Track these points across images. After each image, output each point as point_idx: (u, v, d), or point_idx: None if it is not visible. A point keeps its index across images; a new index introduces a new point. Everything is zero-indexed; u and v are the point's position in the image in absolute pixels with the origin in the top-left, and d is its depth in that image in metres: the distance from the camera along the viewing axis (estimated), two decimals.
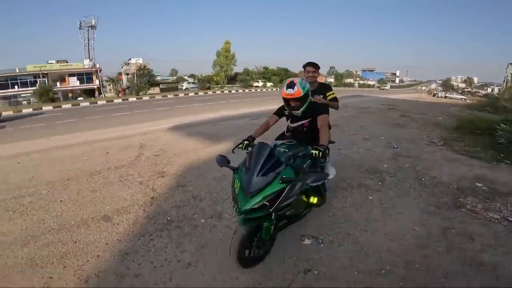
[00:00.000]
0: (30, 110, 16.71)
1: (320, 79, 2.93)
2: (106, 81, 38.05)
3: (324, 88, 3.11)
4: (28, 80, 31.21)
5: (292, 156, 2.02)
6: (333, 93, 3.08)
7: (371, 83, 74.83)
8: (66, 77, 32.90)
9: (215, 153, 5.11)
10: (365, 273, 1.96)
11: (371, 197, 3.11)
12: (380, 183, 3.50)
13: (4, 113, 13.19)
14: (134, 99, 21.93)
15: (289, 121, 2.52)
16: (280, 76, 43.08)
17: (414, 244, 2.30)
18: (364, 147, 5.11)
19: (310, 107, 2.31)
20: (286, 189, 1.77)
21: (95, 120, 10.42)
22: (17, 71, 31.06)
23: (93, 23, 34.59)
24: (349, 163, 4.24)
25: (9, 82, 30.96)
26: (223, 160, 1.98)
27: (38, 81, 29.98)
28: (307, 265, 2.07)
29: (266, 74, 44.77)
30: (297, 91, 2.17)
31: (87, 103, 19.57)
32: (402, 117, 9.44)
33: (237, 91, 30.58)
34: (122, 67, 40.61)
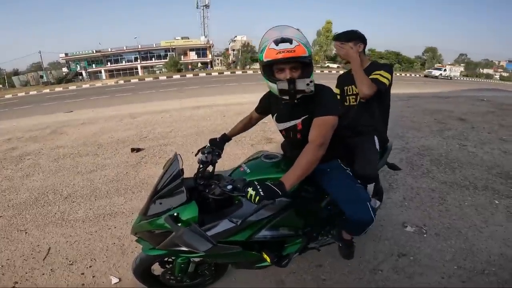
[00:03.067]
0: (164, 77, 21.00)
1: (363, 60, 1.77)
2: (216, 55, 42.71)
3: (376, 68, 1.73)
4: (161, 54, 38.56)
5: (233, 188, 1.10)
6: (380, 75, 1.67)
7: None
8: (188, 51, 38.90)
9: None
10: (465, 270, 1.81)
11: (497, 202, 2.64)
12: None
13: (146, 79, 17.03)
14: (240, 72, 24.37)
15: (274, 118, 1.48)
16: (388, 60, 38.35)
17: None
18: (499, 149, 4.19)
19: (310, 95, 1.23)
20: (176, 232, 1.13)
21: (212, 88, 12.50)
22: (154, 45, 38.66)
23: (207, 2, 39.03)
24: (476, 163, 3.61)
25: (148, 54, 39.10)
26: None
27: (168, 54, 36.82)
28: (404, 250, 2.00)
29: (372, 58, 40.01)
30: (298, 46, 1.16)
31: (203, 74, 22.74)
32: None
33: (337, 71, 28.85)
34: (229, 44, 44.67)
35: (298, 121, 1.33)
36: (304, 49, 1.18)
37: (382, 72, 1.66)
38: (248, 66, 32.02)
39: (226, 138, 1.67)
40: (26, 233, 2.32)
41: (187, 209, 1.13)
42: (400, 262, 1.88)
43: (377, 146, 1.73)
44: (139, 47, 38.27)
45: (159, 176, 1.29)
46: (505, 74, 54.70)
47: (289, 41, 1.18)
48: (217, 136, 1.69)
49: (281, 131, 1.48)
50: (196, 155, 1.59)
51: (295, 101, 1.24)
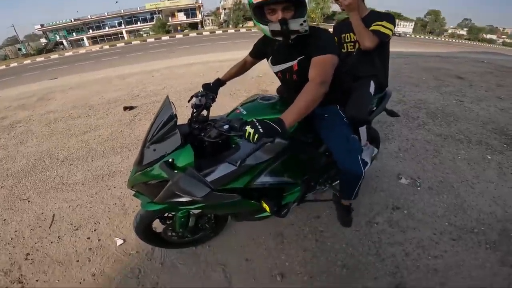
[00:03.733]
0: (152, 39, 19.79)
1: (362, 9, 1.71)
2: (206, 15, 40.47)
3: (376, 17, 1.68)
4: (146, 17, 36.58)
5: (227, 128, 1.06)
6: (382, 26, 1.62)
7: None
8: (176, 13, 36.65)
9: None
10: (456, 227, 1.87)
11: (489, 157, 2.68)
12: (505, 146, 2.92)
13: (133, 42, 16.06)
14: (233, 31, 23.26)
15: (269, 60, 1.45)
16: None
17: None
18: (495, 106, 4.18)
19: (306, 35, 1.19)
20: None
21: (204, 47, 11.96)
22: (138, 9, 36.56)
23: None
24: (472, 118, 3.62)
25: (132, 18, 37.04)
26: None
27: (154, 17, 34.90)
28: (398, 203, 2.05)
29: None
30: None
31: (194, 34, 21.63)
32: None
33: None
34: (220, 2, 42.04)
35: (294, 62, 1.30)
36: None
37: (384, 23, 1.60)
38: (241, 25, 30.60)
39: (220, 82, 1.61)
40: (29, 201, 2.31)
41: (183, 153, 1.06)
42: (394, 215, 1.94)
43: (372, 90, 1.70)
44: (122, 11, 36.12)
45: (151, 122, 1.22)
46: (508, 41, 52.80)
47: None
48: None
49: (276, 73, 1.44)
50: (189, 101, 1.51)
51: (290, 41, 1.20)
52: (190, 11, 36.95)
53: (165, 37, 20.65)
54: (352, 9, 1.59)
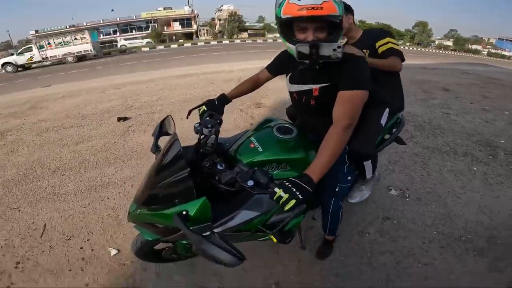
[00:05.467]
0: (147, 49, 19.83)
1: (355, 31, 1.76)
2: (201, 26, 40.96)
3: (373, 37, 1.69)
4: (142, 26, 36.73)
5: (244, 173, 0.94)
6: (390, 43, 1.63)
7: (506, 53, 55.35)
8: (171, 22, 36.92)
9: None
10: (444, 235, 1.94)
11: (475, 168, 2.79)
12: (490, 157, 3.05)
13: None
14: (227, 41, 23.44)
15: (287, 79, 1.33)
16: None
17: (506, 224, 2.07)
18: (480, 118, 4.36)
19: (337, 62, 1.02)
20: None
21: (198, 58, 12.05)
22: (134, 17, 36.64)
23: None
24: (458, 130, 3.77)
25: (128, 27, 37.16)
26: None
27: (150, 26, 34.95)
28: (388, 214, 2.12)
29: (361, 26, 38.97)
30: (326, 3, 0.94)
31: (189, 44, 21.84)
32: None
33: None
34: (215, 13, 42.51)
35: (315, 86, 1.17)
36: (334, 7, 0.95)
37: (388, 40, 1.59)
38: (235, 36, 31.11)
39: (225, 99, 1.41)
40: (19, 211, 2.28)
41: (198, 208, 0.94)
42: (385, 225, 2.00)
43: (384, 120, 1.63)
44: (118, 19, 36.02)
45: (157, 158, 1.10)
46: (493, 51, 54.81)
47: None
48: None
49: (292, 93, 1.32)
50: (188, 116, 1.41)
51: (316, 66, 1.08)
52: (185, 21, 37.20)
53: (160, 47, 20.76)
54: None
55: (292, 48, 1.03)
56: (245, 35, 34.52)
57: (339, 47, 0.97)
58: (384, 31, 1.70)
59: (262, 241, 1.39)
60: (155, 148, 1.19)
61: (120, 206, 2.21)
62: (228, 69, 7.97)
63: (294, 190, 0.84)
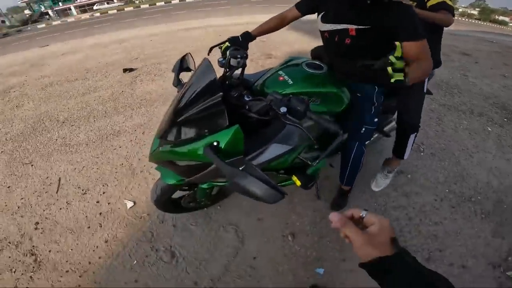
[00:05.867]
0: (146, 5, 18.72)
1: None
2: None
3: None
4: None
5: (282, 101, 0.86)
6: None
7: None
8: None
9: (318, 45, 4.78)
10: (455, 194, 1.91)
11: (490, 129, 2.71)
12: (505, 120, 2.95)
13: (126, 9, 14.93)
14: None
15: (320, 17, 1.23)
16: None
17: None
18: (499, 83, 4.16)
19: (385, 4, 0.99)
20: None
21: (203, 12, 11.25)
22: None
23: None
24: (475, 91, 3.63)
25: None
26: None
27: None
28: (402, 167, 2.07)
29: None
30: None
31: None
32: None
33: None
34: None
35: (352, 26, 1.07)
36: None
37: None
38: None
39: (249, 36, 1.30)
40: (32, 165, 2.23)
41: (231, 137, 0.82)
42: (398, 179, 1.97)
43: (425, 88, 1.52)
44: None
45: (183, 89, 0.98)
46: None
47: None
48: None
49: (323, 32, 1.23)
50: (209, 53, 1.27)
51: (368, 1, 0.99)
52: None
53: (160, 3, 19.40)
54: None
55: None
56: None
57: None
58: None
59: (283, 186, 1.34)
60: (177, 81, 1.13)
61: (133, 155, 2.12)
62: (237, 22, 7.49)
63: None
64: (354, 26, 1.06)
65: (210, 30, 6.51)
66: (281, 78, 1.13)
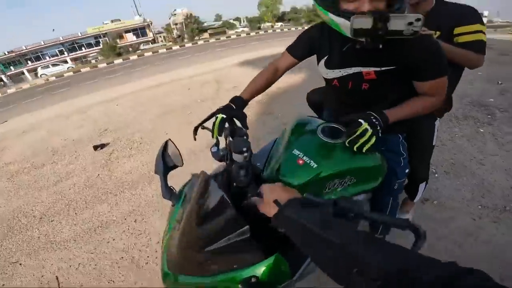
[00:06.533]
0: (104, 64, 18.61)
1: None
2: (158, 33, 39.86)
3: (454, 15, 1.19)
4: (91, 42, 34.70)
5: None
6: (481, 33, 1.16)
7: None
8: (123, 34, 35.33)
9: (293, 82, 5.23)
10: (489, 208, 1.86)
11: (482, 130, 2.81)
12: (489, 116, 3.11)
13: (83, 70, 14.81)
14: (190, 44, 22.78)
15: (322, 63, 1.04)
16: None
17: None
18: (463, 82, 4.42)
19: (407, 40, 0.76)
20: None
21: (165, 64, 11.37)
22: (79, 34, 34.15)
23: None
24: None
25: (75, 45, 34.69)
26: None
27: (100, 41, 32.98)
28: (424, 194, 1.95)
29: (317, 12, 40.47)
30: None
31: (150, 53, 20.64)
32: (501, 55, 7.36)
33: (289, 29, 28.49)
34: (170, 18, 41.51)
35: (371, 69, 0.90)
36: None
37: (480, 27, 1.13)
38: (197, 37, 30.53)
39: (243, 101, 1.05)
40: (20, 264, 1.97)
41: (270, 269, 0.69)
42: (426, 208, 1.88)
43: (435, 141, 1.42)
44: (61, 39, 33.34)
45: (188, 210, 0.70)
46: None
47: None
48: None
49: (330, 80, 1.04)
50: (195, 136, 0.99)
51: (380, 46, 0.80)
52: (139, 31, 35.85)
53: (118, 60, 19.48)
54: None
55: (342, 23, 0.79)
56: (206, 35, 34.04)
57: (418, 19, 0.71)
58: (473, 12, 1.15)
59: None
60: (168, 192, 0.83)
61: (131, 246, 1.94)
62: (200, 72, 7.63)
63: (377, 124, 0.81)
64: (374, 68, 0.90)
65: (178, 84, 6.51)
66: (300, 162, 0.87)
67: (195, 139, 0.99)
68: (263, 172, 0.94)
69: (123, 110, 5.32)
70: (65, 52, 33.91)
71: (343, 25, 0.78)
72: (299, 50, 1.09)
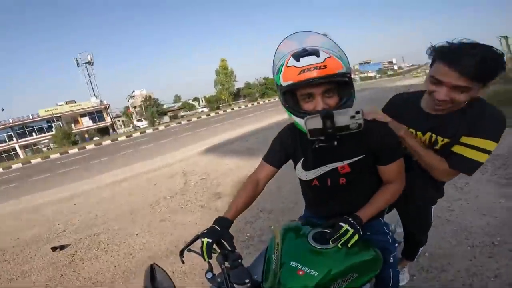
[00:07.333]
0: (57, 155, 17.48)
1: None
2: (116, 117, 38.53)
3: (470, 121, 1.00)
4: (43, 126, 31.26)
5: None
6: (480, 148, 0.97)
7: (371, 74, 72.73)
8: (79, 118, 32.99)
9: None
10: (479, 247, 1.98)
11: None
12: None
13: (33, 161, 13.70)
14: (151, 130, 22.64)
15: (299, 166, 1.07)
16: None
17: (509, 214, 2.30)
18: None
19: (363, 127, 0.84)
20: None
21: (126, 155, 10.75)
22: (31, 117, 30.70)
23: (89, 59, 34.74)
24: None
25: (26, 130, 30.84)
26: None
27: (53, 125, 30.02)
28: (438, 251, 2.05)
29: (268, 85, 41.19)
30: (329, 59, 0.82)
31: (109, 141, 20.11)
32: None
33: (246, 106, 30.45)
34: (128, 100, 41.00)
35: (343, 163, 0.96)
36: (338, 63, 0.82)
37: (486, 144, 0.96)
38: (157, 122, 30.31)
39: (228, 222, 0.98)
40: None
41: None
42: (420, 260, 1.92)
43: (432, 218, 1.47)
44: (11, 121, 29.61)
45: None
46: (362, 75, 67.80)
47: (315, 53, 0.81)
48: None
49: (309, 181, 1.06)
50: (182, 258, 0.95)
51: (335, 143, 0.87)
52: (96, 115, 33.61)
53: (73, 150, 18.39)
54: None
55: (301, 123, 0.86)
56: (166, 119, 33.76)
57: (357, 112, 0.79)
58: (495, 123, 0.97)
59: None
60: None
61: None
62: (166, 163, 7.37)
63: (355, 224, 0.87)
64: (347, 161, 0.96)
65: (143, 178, 6.20)
66: (301, 273, 0.87)
67: (183, 262, 0.94)
68: (263, 283, 0.93)
69: (82, 209, 4.87)
70: (14, 138, 30.04)
71: (302, 125, 0.86)
72: (276, 158, 1.11)
